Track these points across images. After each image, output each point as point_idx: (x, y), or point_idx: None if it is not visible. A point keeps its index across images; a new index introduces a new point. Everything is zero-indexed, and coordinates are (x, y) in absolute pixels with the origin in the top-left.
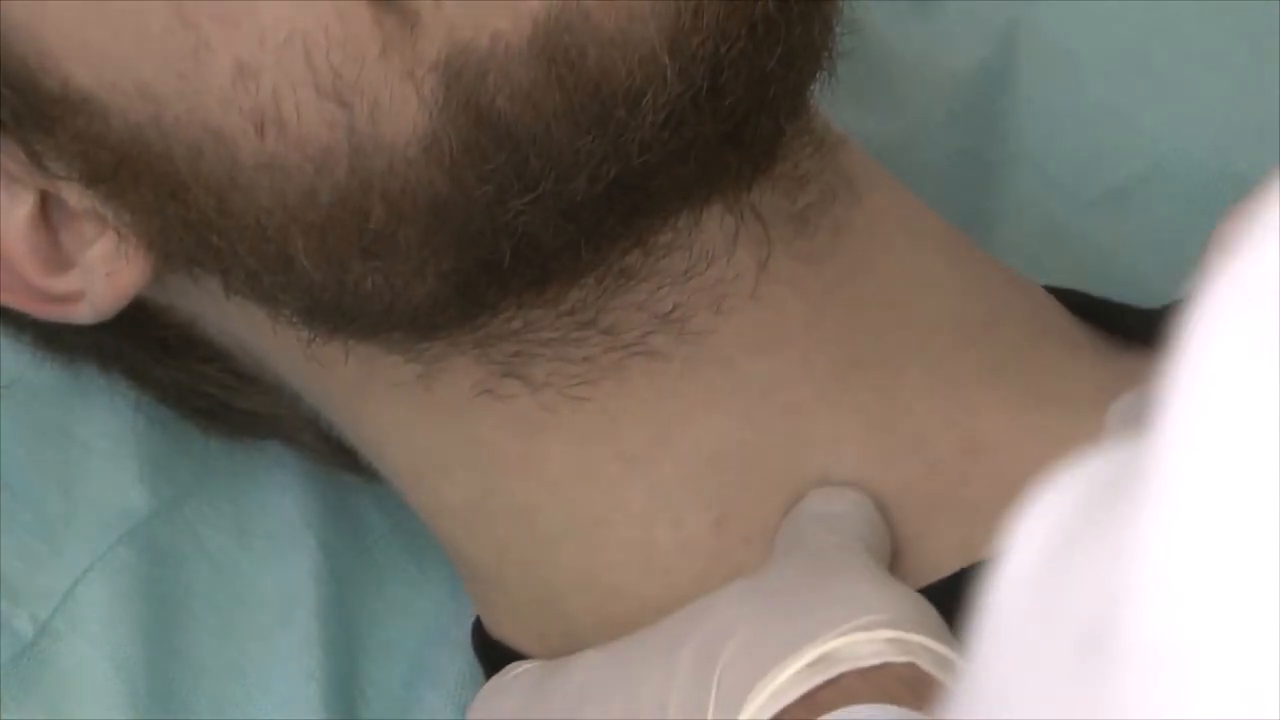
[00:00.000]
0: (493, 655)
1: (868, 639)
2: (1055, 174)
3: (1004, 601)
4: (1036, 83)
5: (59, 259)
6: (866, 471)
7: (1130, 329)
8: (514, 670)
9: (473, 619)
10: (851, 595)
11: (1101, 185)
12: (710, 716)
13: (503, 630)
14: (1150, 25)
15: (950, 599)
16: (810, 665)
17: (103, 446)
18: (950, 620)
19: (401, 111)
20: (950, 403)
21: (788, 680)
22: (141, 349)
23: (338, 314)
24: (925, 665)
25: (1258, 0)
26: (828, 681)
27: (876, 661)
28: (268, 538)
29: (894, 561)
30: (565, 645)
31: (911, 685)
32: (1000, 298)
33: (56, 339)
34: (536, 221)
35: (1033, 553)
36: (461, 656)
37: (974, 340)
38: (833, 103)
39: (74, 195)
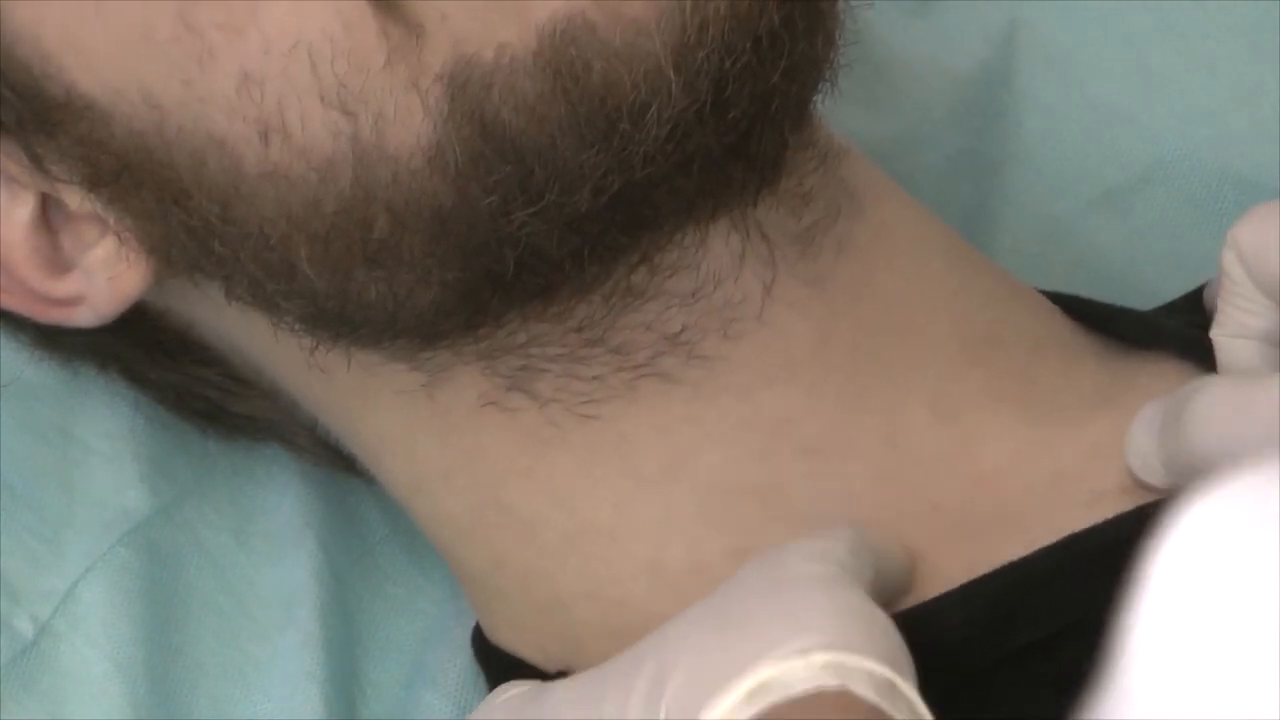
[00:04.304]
0: (494, 661)
1: (803, 665)
2: (1055, 174)
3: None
4: (1036, 83)
5: (59, 262)
6: (877, 517)
7: (1129, 333)
8: (503, 694)
9: (473, 621)
10: (796, 609)
11: (1101, 185)
12: None
13: (503, 638)
14: (1150, 25)
15: (950, 613)
16: (748, 695)
17: (103, 446)
18: (950, 630)
19: (406, 122)
20: (953, 433)
21: (724, 713)
22: (139, 350)
23: (340, 322)
24: (860, 689)
25: (1258, 0)
26: (763, 710)
27: (810, 688)
28: (268, 538)
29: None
30: (566, 654)
31: (847, 709)
32: (1001, 310)
33: (54, 339)
34: (540, 232)
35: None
36: (461, 656)
37: (975, 359)
38: (833, 104)
39: (75, 198)
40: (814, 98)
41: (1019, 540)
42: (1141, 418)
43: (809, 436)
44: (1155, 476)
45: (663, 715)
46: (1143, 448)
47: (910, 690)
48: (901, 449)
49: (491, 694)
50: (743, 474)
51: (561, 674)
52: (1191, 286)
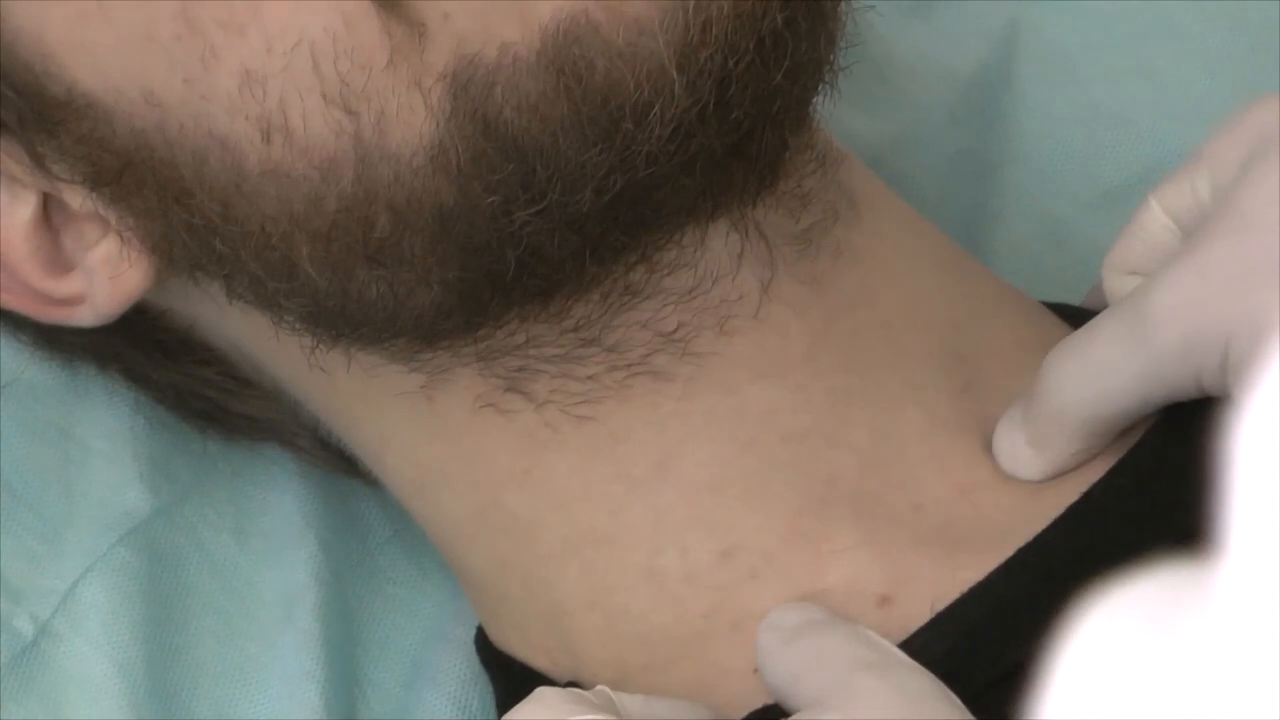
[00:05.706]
0: (499, 665)
1: None
2: (1055, 174)
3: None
4: (1036, 83)
5: (60, 261)
6: (858, 505)
7: None
8: (574, 714)
9: (474, 621)
10: None
11: (1101, 185)
12: None
13: (508, 643)
14: (1150, 25)
15: (934, 643)
16: None
17: (103, 446)
18: (936, 663)
19: (408, 121)
20: (948, 450)
21: None
22: (139, 350)
23: (341, 321)
24: None
25: (1258, 0)
26: None
27: None
28: (268, 538)
29: (884, 607)
30: (571, 661)
31: None
32: (994, 324)
33: (54, 339)
34: (542, 232)
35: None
36: (461, 656)
37: (966, 377)
38: (834, 105)
39: (76, 198)
40: (814, 98)
41: (996, 553)
42: (1000, 424)
43: (795, 427)
44: (1028, 467)
45: None
46: (1006, 442)
47: None
48: (891, 445)
49: (540, 700)
50: (727, 467)
51: (572, 684)
52: None
